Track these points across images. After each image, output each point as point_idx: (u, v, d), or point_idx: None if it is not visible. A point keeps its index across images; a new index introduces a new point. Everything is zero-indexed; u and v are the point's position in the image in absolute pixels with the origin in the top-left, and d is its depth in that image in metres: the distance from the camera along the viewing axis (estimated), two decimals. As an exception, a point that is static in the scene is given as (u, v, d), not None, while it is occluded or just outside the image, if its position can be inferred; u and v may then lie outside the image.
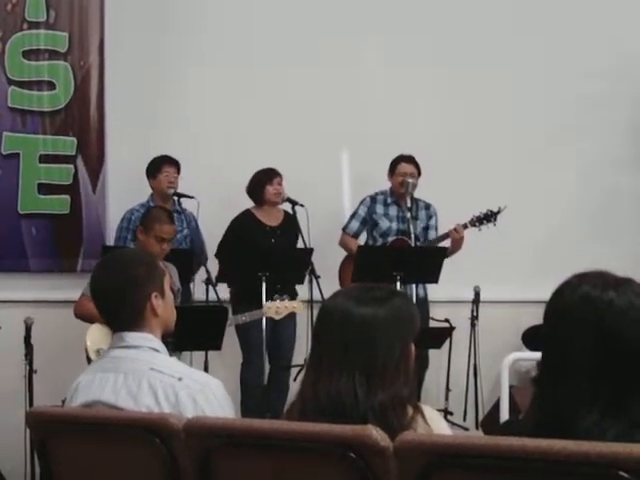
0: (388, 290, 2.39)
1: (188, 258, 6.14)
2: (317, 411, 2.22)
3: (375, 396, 2.21)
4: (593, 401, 1.91)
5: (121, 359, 2.73)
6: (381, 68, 7.09)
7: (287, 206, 6.39)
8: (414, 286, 6.28)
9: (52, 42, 6.60)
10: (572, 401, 1.93)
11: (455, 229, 6.33)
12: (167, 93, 6.86)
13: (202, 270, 6.14)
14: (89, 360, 5.13)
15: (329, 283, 5.83)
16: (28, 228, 6.56)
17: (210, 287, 6.02)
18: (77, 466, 2.48)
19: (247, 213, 6.48)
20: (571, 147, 7.15)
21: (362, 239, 6.70)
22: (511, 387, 5.37)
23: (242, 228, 6.40)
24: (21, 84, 6.56)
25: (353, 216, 6.70)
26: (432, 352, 6.46)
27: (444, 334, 6.23)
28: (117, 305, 2.77)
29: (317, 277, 6.04)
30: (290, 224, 6.36)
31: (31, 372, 5.60)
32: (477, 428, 6.43)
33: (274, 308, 5.76)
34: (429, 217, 6.63)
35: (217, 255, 6.32)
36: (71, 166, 6.62)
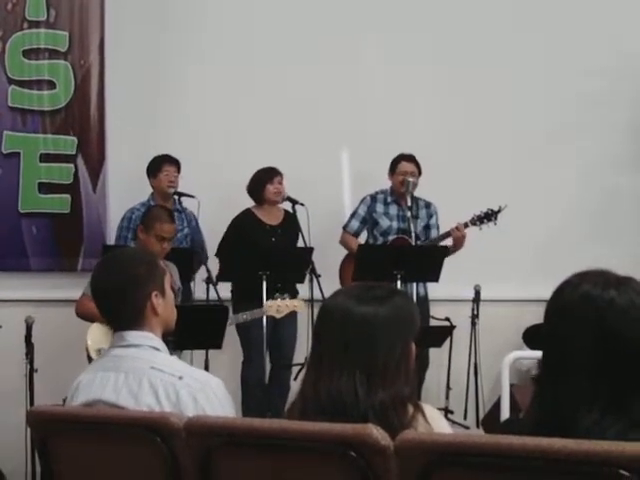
0: (389, 289, 2.39)
1: (188, 257, 6.14)
2: (318, 410, 2.22)
3: (376, 395, 2.21)
4: (593, 400, 1.91)
5: (122, 358, 2.73)
6: (381, 66, 7.09)
7: (287, 205, 6.38)
8: (414, 285, 6.28)
9: (52, 41, 6.60)
10: (572, 400, 1.93)
11: (456, 228, 6.33)
12: (167, 92, 6.86)
13: (203, 269, 6.14)
14: (90, 359, 5.14)
15: (329, 282, 5.83)
16: (29, 227, 6.56)
17: (211, 286, 6.01)
18: (78, 465, 2.48)
19: (247, 212, 6.48)
20: (571, 145, 7.15)
21: (362, 238, 6.70)
22: (512, 386, 5.37)
23: (242, 227, 6.40)
24: (21, 83, 6.56)
25: (353, 215, 6.70)
26: (432, 351, 6.46)
27: (445, 333, 6.22)
28: (118, 304, 2.77)
29: (318, 276, 6.03)
30: (290, 223, 6.36)
31: (32, 371, 5.60)
32: (478, 427, 6.42)
33: (275, 307, 5.76)
34: (429, 216, 6.63)
35: (217, 254, 6.32)
36: (71, 165, 6.62)
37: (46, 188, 6.59)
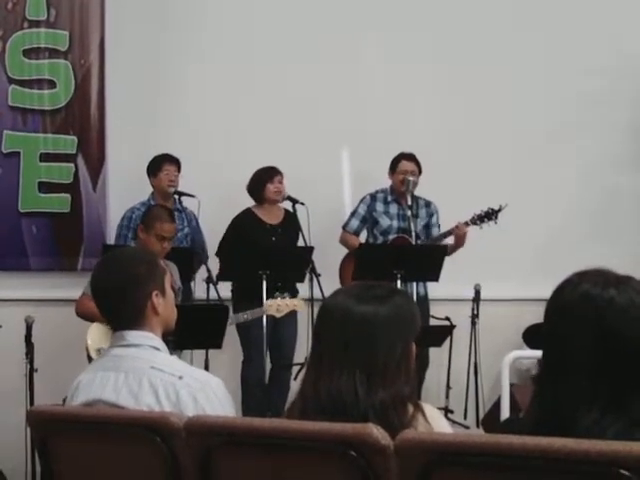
0: (389, 288, 2.39)
1: (189, 257, 6.14)
2: (318, 410, 2.22)
3: (376, 394, 2.21)
4: (593, 399, 1.91)
5: (122, 358, 2.73)
6: (381, 65, 7.09)
7: (288, 204, 6.39)
8: (414, 284, 6.28)
9: (52, 41, 6.60)
10: (572, 399, 1.93)
11: (457, 227, 6.32)
12: (167, 91, 6.87)
13: (203, 268, 6.14)
14: (90, 359, 5.14)
15: (330, 281, 5.83)
16: (29, 227, 6.56)
17: (211, 285, 6.01)
18: (78, 465, 2.48)
19: (247, 212, 6.48)
20: (571, 145, 7.15)
21: (362, 237, 6.69)
22: (512, 385, 5.37)
23: (243, 226, 6.40)
24: (21, 83, 6.56)
25: (353, 214, 6.70)
26: (433, 350, 6.46)
27: (445, 332, 6.22)
28: (118, 304, 2.77)
29: (318, 275, 6.03)
30: (290, 222, 6.36)
31: (32, 371, 5.60)
32: (478, 426, 6.42)
33: (275, 306, 5.77)
34: (430, 215, 6.63)
35: (218, 254, 6.32)
36: (71, 165, 6.62)
37: (46, 187, 6.59)
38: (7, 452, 5.62)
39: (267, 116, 6.85)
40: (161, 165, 6.38)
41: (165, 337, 2.83)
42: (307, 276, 6.08)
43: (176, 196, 6.30)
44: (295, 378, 6.01)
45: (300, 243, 6.32)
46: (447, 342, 6.35)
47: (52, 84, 6.59)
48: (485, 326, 6.56)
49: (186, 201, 6.33)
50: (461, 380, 6.62)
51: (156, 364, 2.68)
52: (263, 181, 6.42)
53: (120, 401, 2.64)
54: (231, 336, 5.95)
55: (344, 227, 6.70)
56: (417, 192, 6.47)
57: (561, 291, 2.01)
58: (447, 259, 6.10)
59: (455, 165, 6.87)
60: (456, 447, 1.91)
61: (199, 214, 6.33)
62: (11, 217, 6.53)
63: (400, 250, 6.25)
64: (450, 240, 6.40)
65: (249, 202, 6.50)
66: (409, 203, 6.33)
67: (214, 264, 6.16)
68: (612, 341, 1.92)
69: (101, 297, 2.81)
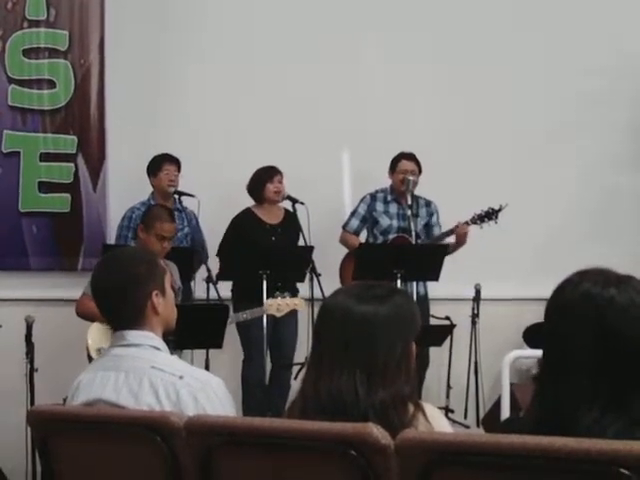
0: (389, 288, 2.39)
1: (189, 256, 6.14)
2: (318, 409, 2.22)
3: (376, 394, 2.21)
4: (594, 398, 1.91)
5: (122, 357, 2.73)
6: (381, 65, 7.09)
7: (287, 204, 6.39)
8: (414, 284, 6.28)
9: (52, 40, 6.60)
10: (573, 398, 1.93)
11: (457, 226, 6.32)
12: (167, 91, 6.87)
13: (203, 268, 6.14)
14: (90, 359, 5.14)
15: (330, 281, 5.83)
16: (29, 226, 6.56)
17: (211, 285, 6.01)
18: (78, 464, 2.48)
19: (247, 211, 6.48)
20: (571, 144, 7.15)
21: (362, 237, 6.69)
22: (512, 385, 5.37)
23: (242, 226, 6.40)
24: (21, 82, 6.56)
25: (353, 214, 6.70)
26: (433, 350, 6.46)
27: (445, 332, 6.22)
28: (118, 303, 2.77)
29: (318, 275, 6.03)
30: (290, 222, 6.36)
31: (32, 371, 5.60)
32: (478, 426, 6.42)
33: (275, 305, 5.77)
34: (430, 214, 6.63)
35: (219, 254, 6.32)
36: (72, 164, 6.62)
37: (46, 187, 6.59)
38: (7, 452, 5.62)
39: (267, 116, 6.85)
40: (161, 165, 6.38)
41: (165, 337, 2.83)
42: (307, 276, 6.08)
43: (176, 196, 6.31)
44: (295, 378, 6.01)
45: (300, 243, 6.32)
46: (447, 342, 6.35)
47: (52, 84, 6.59)
48: (485, 325, 6.56)
49: (186, 201, 6.33)
50: (461, 379, 6.62)
51: (156, 364, 2.68)
52: (263, 181, 6.42)
53: (120, 401, 2.65)
54: (231, 336, 5.95)
55: (344, 227, 6.70)
56: (417, 192, 6.47)
57: (562, 290, 2.02)
58: (447, 258, 6.09)
59: (455, 165, 6.87)
60: (456, 447, 1.91)
61: (199, 214, 6.33)
62: (11, 217, 6.53)
63: (400, 250, 6.25)
64: (451, 239, 6.40)
65: (249, 202, 6.50)
66: (409, 203, 6.33)
67: (214, 264, 6.16)
68: (612, 340, 1.92)
69: (101, 297, 2.81)
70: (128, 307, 2.76)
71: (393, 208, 6.61)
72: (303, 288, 6.25)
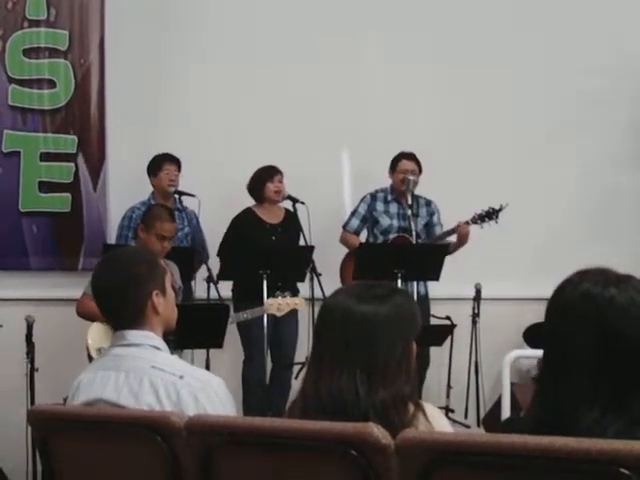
0: (389, 288, 2.39)
1: (189, 256, 6.14)
2: (319, 409, 2.22)
3: (376, 394, 2.21)
4: (594, 398, 1.91)
5: (122, 357, 2.73)
6: (381, 65, 7.09)
7: (288, 204, 6.38)
8: (415, 283, 6.28)
9: (52, 40, 6.60)
10: (573, 398, 1.93)
11: (458, 226, 6.32)
12: (168, 91, 6.86)
13: (203, 268, 6.14)
14: (90, 358, 5.14)
15: (330, 281, 5.83)
16: (29, 226, 6.56)
17: (211, 285, 6.01)
18: (79, 464, 2.48)
19: (248, 211, 6.48)
20: (571, 144, 7.15)
21: (363, 237, 6.69)
22: (512, 384, 5.37)
23: (243, 226, 6.41)
24: (21, 82, 6.56)
25: (353, 214, 6.70)
26: (433, 350, 6.46)
27: (445, 331, 6.22)
28: (118, 303, 2.77)
29: (318, 275, 6.03)
30: (291, 222, 6.36)
31: (32, 370, 5.60)
32: (478, 426, 6.43)
33: (276, 305, 5.77)
34: (431, 214, 6.62)
35: (219, 254, 6.31)
36: (72, 164, 6.62)
37: (46, 187, 6.59)
38: (8, 451, 5.62)
39: (267, 116, 6.85)
40: (161, 165, 6.38)
41: (166, 336, 2.83)
42: (308, 276, 6.08)
43: (176, 195, 6.31)
44: (296, 377, 6.01)
45: (301, 242, 6.32)
46: (448, 341, 6.34)
47: (52, 84, 6.59)
48: (486, 325, 6.56)
49: (186, 200, 6.33)
50: (462, 379, 6.62)
51: (157, 363, 2.68)
52: (263, 180, 6.42)
53: (121, 400, 2.65)
54: (232, 335, 5.95)
55: (344, 226, 6.70)
56: (417, 191, 6.48)
57: (562, 290, 2.02)
58: (447, 258, 6.09)
59: (455, 164, 6.87)
60: (457, 446, 1.91)
61: (199, 213, 6.33)
62: (11, 217, 6.53)
63: (400, 249, 6.25)
64: (452, 238, 6.40)
65: (249, 201, 6.50)
66: (409, 202, 6.33)
67: (215, 263, 6.17)
68: (613, 340, 1.92)
69: (102, 297, 2.81)
70: (128, 307, 2.76)
71: (393, 208, 6.61)
72: (303, 288, 6.25)
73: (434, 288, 6.55)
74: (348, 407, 2.20)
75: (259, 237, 6.34)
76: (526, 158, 7.08)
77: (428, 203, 6.63)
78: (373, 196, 6.66)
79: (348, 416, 2.15)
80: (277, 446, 2.11)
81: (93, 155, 6.66)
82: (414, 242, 6.26)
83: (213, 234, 6.44)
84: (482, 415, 6.53)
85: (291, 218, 6.36)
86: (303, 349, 6.01)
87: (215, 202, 6.45)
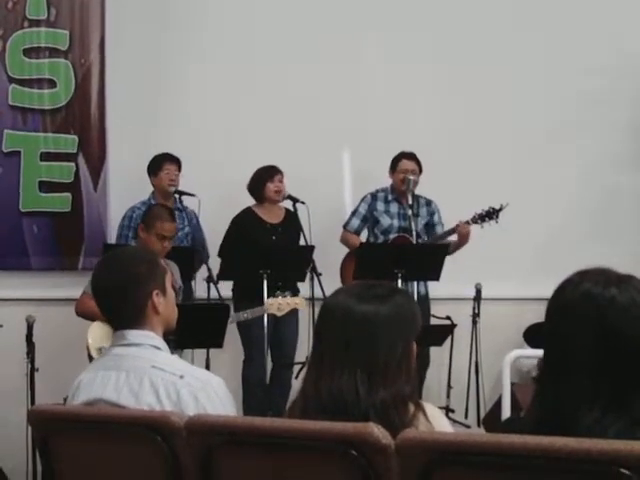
0: (390, 288, 2.39)
1: (189, 256, 6.14)
2: (319, 409, 2.22)
3: (377, 394, 2.21)
4: (594, 398, 1.91)
5: (123, 357, 2.73)
6: (381, 65, 7.09)
7: (288, 203, 6.38)
8: (415, 283, 6.28)
9: (53, 40, 6.60)
10: (573, 398, 1.93)
11: (458, 226, 6.32)
12: (168, 90, 6.87)
13: (203, 268, 6.14)
14: (90, 358, 5.14)
15: (330, 280, 5.84)
16: (29, 226, 6.56)
17: (211, 285, 6.01)
18: (79, 464, 2.48)
19: (248, 211, 6.48)
20: (571, 144, 7.15)
21: (363, 236, 6.69)
22: (513, 384, 5.37)
23: (243, 226, 6.41)
24: (22, 82, 6.56)
25: (354, 213, 6.70)
26: (433, 350, 6.46)
27: (445, 331, 6.22)
28: (118, 303, 2.77)
29: (318, 274, 6.03)
30: (291, 221, 6.36)
31: (33, 370, 5.60)
32: (479, 426, 6.43)
33: (276, 304, 5.77)
34: (431, 214, 6.62)
35: (220, 254, 6.31)
36: (72, 164, 6.62)
37: (47, 187, 6.59)
38: (8, 451, 5.62)
39: (268, 115, 6.85)
40: (162, 164, 6.38)
41: (166, 336, 2.83)
42: (308, 275, 6.08)
43: (177, 195, 6.31)
44: (296, 377, 6.01)
45: (301, 242, 6.31)
46: (448, 341, 6.34)
47: (52, 83, 6.59)
48: (486, 325, 6.56)
49: (187, 200, 6.34)
50: (462, 379, 6.62)
51: (157, 363, 2.68)
52: (263, 180, 6.42)
53: (121, 400, 2.65)
54: (232, 335, 5.95)
55: (345, 226, 6.70)
56: (418, 191, 6.48)
57: (562, 290, 2.02)
58: (448, 258, 6.09)
59: (455, 164, 6.87)
60: (457, 446, 1.91)
61: (200, 213, 6.33)
62: (12, 217, 6.53)
63: (401, 249, 6.25)
64: (453, 238, 6.39)
65: (250, 201, 6.50)
66: (410, 202, 6.33)
67: (215, 263, 6.17)
68: (613, 340, 1.92)
69: (102, 296, 2.81)
70: (129, 306, 2.76)
71: (394, 208, 6.61)
72: (304, 288, 6.25)
73: (434, 288, 6.55)
74: (348, 407, 2.20)
75: (259, 237, 6.34)
76: (526, 158, 7.08)
77: (428, 203, 6.63)
78: (374, 196, 6.66)
79: (348, 416, 2.15)
80: (277, 446, 2.11)
81: (93, 155, 6.66)
82: (414, 242, 6.26)
83: (213, 234, 6.44)
84: (482, 415, 6.53)
85: (291, 218, 6.36)
86: (303, 349, 6.01)
87: (215, 202, 6.45)
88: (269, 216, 6.49)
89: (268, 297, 5.80)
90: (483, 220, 6.34)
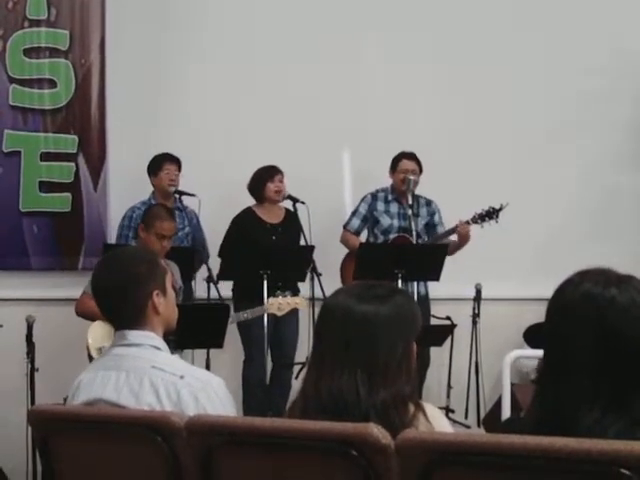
0: (390, 288, 2.39)
1: (190, 256, 6.14)
2: (319, 409, 2.22)
3: (377, 394, 2.21)
4: (594, 398, 1.91)
5: (123, 357, 2.73)
6: (381, 65, 7.09)
7: (288, 203, 6.38)
8: (415, 284, 6.28)
9: (53, 40, 6.60)
10: (573, 398, 1.93)
11: (458, 226, 6.32)
12: (168, 91, 6.87)
13: (204, 268, 6.14)
14: (91, 358, 5.14)
15: (331, 280, 5.84)
16: (29, 226, 6.56)
17: (212, 285, 6.01)
18: (79, 464, 2.48)
19: (248, 211, 6.48)
20: (571, 144, 7.15)
21: (363, 236, 6.69)
22: (513, 385, 5.36)
23: (243, 226, 6.41)
24: (22, 82, 6.56)
25: (354, 213, 6.70)
26: (433, 350, 6.46)
27: (445, 332, 6.22)
28: (119, 303, 2.77)
29: (318, 274, 6.03)
30: (291, 221, 6.36)
31: (33, 370, 5.60)
32: (479, 426, 6.42)
33: (276, 304, 5.77)
34: (432, 214, 6.62)
35: (220, 255, 6.31)
36: (72, 164, 6.62)
37: (47, 187, 6.59)
38: (8, 451, 5.62)
39: (268, 115, 6.85)
40: (162, 164, 6.38)
41: (166, 336, 2.83)
42: (308, 275, 6.08)
43: (177, 195, 6.31)
44: (296, 377, 6.01)
45: (301, 242, 6.31)
46: (448, 341, 6.34)
47: (53, 83, 6.59)
48: (486, 325, 6.56)
49: (187, 200, 6.34)
50: (462, 379, 6.62)
51: (157, 363, 2.68)
52: (264, 180, 6.42)
53: (121, 400, 2.65)
54: (232, 335, 5.95)
55: (345, 226, 6.70)
56: (418, 191, 6.48)
57: (562, 291, 2.02)
58: (448, 258, 6.09)
59: (456, 164, 6.87)
60: (457, 447, 1.91)
61: (200, 213, 6.34)
62: (12, 217, 6.53)
63: (401, 249, 6.24)
64: (454, 237, 6.39)
65: (250, 201, 6.50)
66: (410, 202, 6.32)
67: (215, 263, 6.17)
68: (613, 340, 1.92)
69: (102, 296, 2.81)
70: (129, 307, 2.76)
71: (394, 208, 6.60)
72: (304, 288, 6.25)
73: (434, 288, 6.55)
74: (349, 407, 2.20)
75: (259, 237, 6.34)
76: (526, 158, 7.08)
77: (428, 203, 6.63)
78: (374, 196, 6.65)
79: (349, 416, 2.15)
80: (277, 446, 2.11)
81: (93, 155, 6.66)
82: (414, 242, 6.26)
83: (213, 234, 6.44)
84: (482, 415, 6.53)
85: (291, 218, 6.36)
86: (303, 349, 6.01)
87: (215, 202, 6.45)
88: (269, 216, 6.49)
89: (268, 297, 5.80)
90: (483, 220, 6.34)
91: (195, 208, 6.32)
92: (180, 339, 4.37)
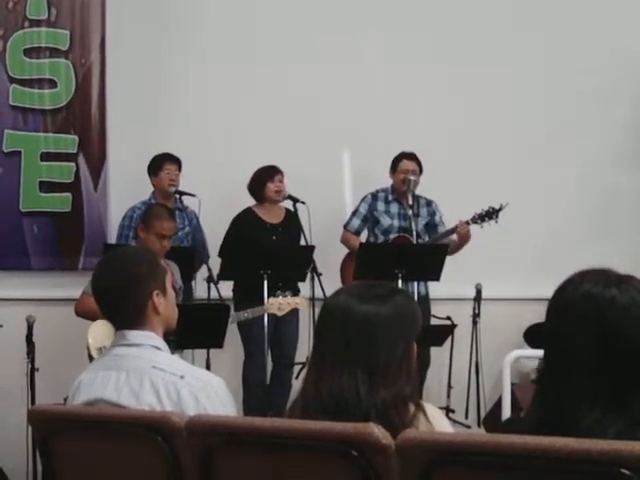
0: (390, 288, 2.39)
1: (190, 256, 6.14)
2: (319, 409, 2.22)
3: (377, 394, 2.21)
4: (595, 398, 1.91)
5: (123, 357, 2.73)
6: (382, 65, 7.09)
7: (288, 203, 6.38)
8: (415, 284, 6.28)
9: (53, 40, 6.60)
10: (574, 398, 1.93)
11: (456, 226, 6.32)
12: (168, 90, 6.87)
13: (204, 268, 6.14)
14: (91, 358, 5.13)
15: (331, 280, 5.84)
16: (30, 226, 6.56)
17: (212, 285, 6.01)
18: (79, 464, 2.48)
19: (248, 211, 6.48)
20: (571, 144, 7.15)
21: (363, 236, 6.69)
22: (513, 385, 5.37)
23: (243, 226, 6.41)
24: (22, 82, 6.56)
25: (354, 213, 6.70)
26: (434, 350, 6.46)
27: (446, 332, 6.22)
28: (119, 303, 2.77)
29: (319, 274, 6.03)
30: (291, 221, 6.36)
31: (33, 370, 5.60)
32: (479, 426, 6.43)
33: (277, 304, 5.77)
34: (432, 214, 6.62)
35: (220, 255, 6.31)
36: (72, 164, 6.62)
37: (47, 187, 6.59)
38: (8, 451, 5.62)
39: (268, 115, 6.86)
40: (162, 164, 6.38)
41: (166, 336, 2.84)
42: (308, 275, 6.08)
43: (177, 195, 6.31)
44: (297, 377, 6.01)
45: (301, 242, 6.31)
46: (448, 341, 6.34)
47: (53, 83, 6.59)
48: (486, 325, 6.56)
49: (187, 200, 6.34)
50: (462, 379, 6.62)
51: (157, 363, 2.68)
52: (264, 180, 6.42)
53: (121, 400, 2.65)
54: (232, 335, 5.95)
55: (345, 226, 6.70)
56: (418, 191, 6.48)
57: (563, 291, 2.02)
58: (448, 258, 6.09)
59: (456, 164, 6.87)
60: (457, 447, 1.91)
61: (200, 213, 6.33)
62: (12, 217, 6.53)
63: (401, 249, 6.24)
64: (454, 237, 6.39)
65: (250, 201, 6.50)
66: (410, 202, 6.32)
67: (215, 263, 6.17)
68: (614, 340, 1.93)
69: (102, 296, 2.81)
70: (129, 307, 2.76)
71: (394, 208, 6.60)
72: (304, 288, 6.25)
73: (435, 288, 6.55)
74: (349, 407, 2.20)
75: (259, 237, 6.34)
76: (526, 158, 7.09)
77: (429, 203, 6.63)
78: (374, 196, 6.66)
79: (349, 416, 2.15)
80: (277, 446, 2.11)
81: (94, 155, 6.66)
82: (415, 242, 6.26)
83: (213, 234, 6.44)
84: (482, 415, 6.53)
85: (291, 218, 6.36)
86: (304, 349, 6.01)
87: (215, 202, 6.45)
88: (269, 216, 6.49)
89: (268, 297, 5.80)
90: (483, 220, 6.34)
91: (195, 208, 6.32)
92: (180, 339, 4.36)
